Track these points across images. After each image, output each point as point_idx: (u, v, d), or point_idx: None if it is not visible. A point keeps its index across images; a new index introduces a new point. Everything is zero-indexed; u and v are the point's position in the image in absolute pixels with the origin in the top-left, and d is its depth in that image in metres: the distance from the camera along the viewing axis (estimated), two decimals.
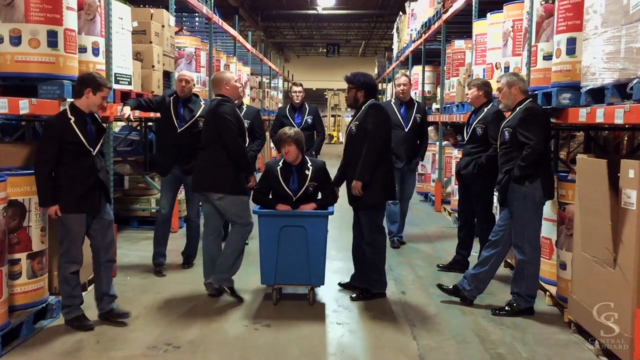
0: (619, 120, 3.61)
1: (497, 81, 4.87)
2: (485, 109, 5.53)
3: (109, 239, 4.30)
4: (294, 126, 6.20)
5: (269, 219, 4.71)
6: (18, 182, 4.06)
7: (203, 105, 5.61)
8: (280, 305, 4.79)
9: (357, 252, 5.08)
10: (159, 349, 3.89)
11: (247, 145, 5.00)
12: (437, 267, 5.98)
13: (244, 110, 6.25)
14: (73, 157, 4.03)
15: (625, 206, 3.53)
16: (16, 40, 4.23)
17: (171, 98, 5.59)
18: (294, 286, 5.00)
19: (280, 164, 4.88)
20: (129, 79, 5.89)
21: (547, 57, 4.90)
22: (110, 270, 4.36)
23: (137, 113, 5.81)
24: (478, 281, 4.70)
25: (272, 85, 21.16)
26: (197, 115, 5.54)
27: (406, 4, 13.47)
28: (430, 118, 9.79)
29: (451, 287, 4.87)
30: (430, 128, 9.55)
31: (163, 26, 7.09)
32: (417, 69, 11.72)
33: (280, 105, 19.78)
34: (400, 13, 14.97)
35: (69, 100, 4.32)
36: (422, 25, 10.77)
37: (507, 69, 6.25)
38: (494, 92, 5.45)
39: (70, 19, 4.51)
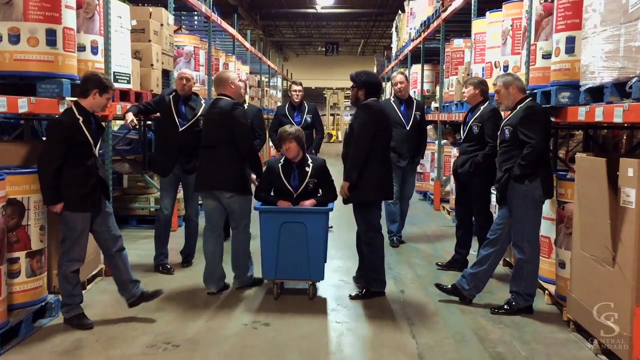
0: (618, 119, 3.61)
1: (494, 84, 4.86)
2: (482, 108, 5.53)
3: (115, 229, 4.30)
4: (294, 125, 6.20)
5: (269, 215, 4.76)
6: (17, 180, 4.05)
7: (204, 104, 5.59)
8: (280, 300, 4.82)
9: (360, 246, 5.08)
10: (158, 348, 3.89)
11: None
12: (436, 265, 5.98)
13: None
14: (78, 157, 4.03)
15: (624, 205, 3.54)
16: (15, 38, 4.23)
17: (171, 97, 5.56)
18: (294, 281, 5.04)
19: (282, 161, 4.97)
20: (127, 78, 5.89)
21: (546, 56, 4.90)
22: (126, 258, 4.34)
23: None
24: (477, 280, 4.70)
25: (271, 84, 21.14)
26: (198, 114, 5.53)
27: (405, 3, 13.46)
28: (429, 117, 9.79)
29: (450, 286, 4.86)
30: (429, 127, 9.56)
31: (162, 25, 7.09)
32: (416, 68, 11.71)
33: (279, 104, 19.75)
34: (399, 12, 14.95)
35: (68, 99, 4.32)
36: (421, 24, 10.77)
37: (506, 67, 6.25)
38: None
39: (69, 18, 4.51)
